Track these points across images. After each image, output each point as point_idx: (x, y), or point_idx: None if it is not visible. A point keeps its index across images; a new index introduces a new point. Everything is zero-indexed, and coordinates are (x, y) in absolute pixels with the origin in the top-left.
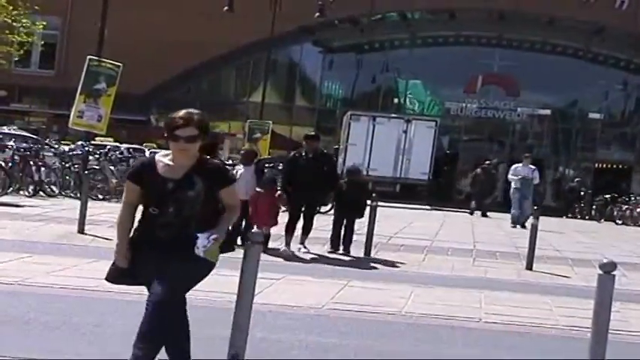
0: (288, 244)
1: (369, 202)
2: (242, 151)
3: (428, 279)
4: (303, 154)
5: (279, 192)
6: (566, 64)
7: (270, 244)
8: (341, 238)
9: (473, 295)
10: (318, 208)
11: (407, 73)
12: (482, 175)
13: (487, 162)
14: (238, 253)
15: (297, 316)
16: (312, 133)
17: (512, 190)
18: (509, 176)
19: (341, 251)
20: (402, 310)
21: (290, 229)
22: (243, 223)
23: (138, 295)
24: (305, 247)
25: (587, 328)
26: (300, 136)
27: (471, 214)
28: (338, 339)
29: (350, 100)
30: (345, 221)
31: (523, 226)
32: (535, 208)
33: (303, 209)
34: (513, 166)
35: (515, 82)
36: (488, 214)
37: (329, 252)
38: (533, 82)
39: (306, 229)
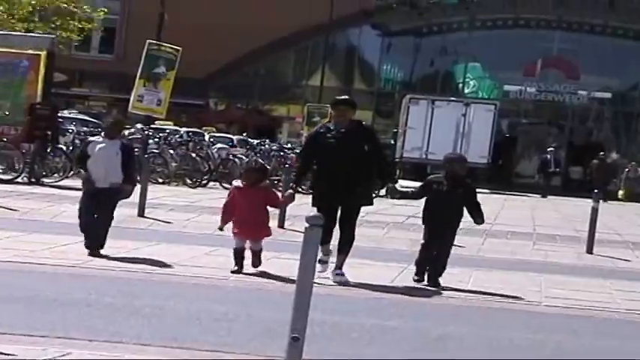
0: (323, 262)
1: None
2: (106, 119)
3: (487, 262)
4: (332, 128)
5: (290, 191)
6: (627, 46)
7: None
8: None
9: (533, 278)
10: (358, 210)
11: (466, 56)
12: (599, 164)
13: (602, 153)
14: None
15: (356, 299)
16: (344, 97)
17: None
18: None
19: (425, 282)
20: (462, 294)
21: (324, 241)
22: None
23: (199, 277)
24: (340, 274)
25: None
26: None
27: (604, 200)
28: (397, 322)
29: (409, 84)
30: (438, 242)
31: None
32: (596, 191)
33: (336, 213)
34: None
35: (575, 65)
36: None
37: (414, 280)
38: (594, 65)
39: (344, 244)
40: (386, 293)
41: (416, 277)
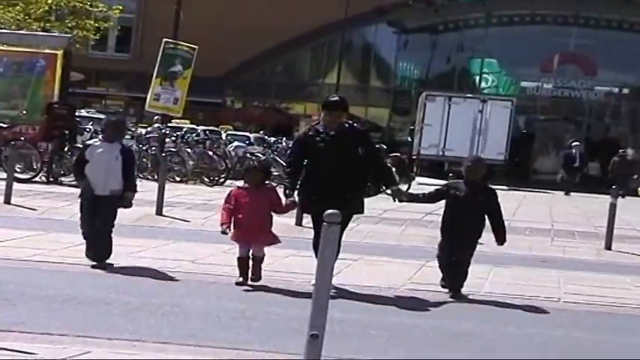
0: None
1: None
2: (105, 121)
3: (506, 259)
4: (320, 130)
5: (289, 199)
6: None
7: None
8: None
9: (552, 274)
10: (349, 218)
11: (482, 52)
12: (620, 162)
13: (621, 150)
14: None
15: (375, 297)
16: (335, 98)
17: None
18: None
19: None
20: (481, 290)
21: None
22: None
23: (217, 275)
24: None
25: None
26: (376, 117)
27: (623, 197)
28: (416, 319)
29: (425, 81)
30: (456, 253)
31: None
32: (614, 187)
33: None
34: None
35: (592, 61)
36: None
37: (442, 285)
38: (611, 60)
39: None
40: (405, 290)
41: (443, 282)
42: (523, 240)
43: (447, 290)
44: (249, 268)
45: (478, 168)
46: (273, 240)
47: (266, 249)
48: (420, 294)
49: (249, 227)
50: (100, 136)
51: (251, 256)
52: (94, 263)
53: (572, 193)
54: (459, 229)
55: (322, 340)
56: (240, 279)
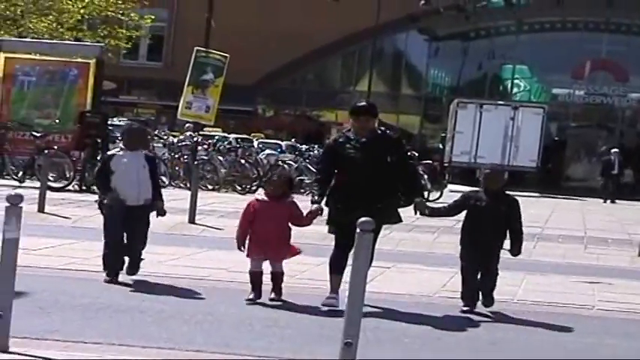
0: (333, 289)
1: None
2: (124, 129)
3: (539, 266)
4: (351, 137)
5: (315, 205)
6: None
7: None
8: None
9: (585, 282)
10: (379, 230)
11: (513, 59)
12: None
13: None
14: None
15: (407, 305)
16: (362, 103)
17: None
18: None
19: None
20: (514, 297)
21: (336, 265)
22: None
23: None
24: (332, 297)
25: None
26: (407, 125)
27: None
28: (449, 327)
29: (456, 88)
30: (480, 264)
31: None
32: None
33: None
34: None
35: (623, 67)
36: None
37: (463, 311)
38: None
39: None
40: (439, 298)
41: (465, 308)
42: (556, 247)
43: (468, 311)
44: (262, 284)
45: (497, 176)
46: (290, 252)
47: (298, 257)
48: (452, 302)
49: (267, 242)
50: (121, 145)
51: (270, 274)
52: (126, 272)
53: (608, 201)
54: (481, 239)
55: (356, 348)
56: (252, 295)
